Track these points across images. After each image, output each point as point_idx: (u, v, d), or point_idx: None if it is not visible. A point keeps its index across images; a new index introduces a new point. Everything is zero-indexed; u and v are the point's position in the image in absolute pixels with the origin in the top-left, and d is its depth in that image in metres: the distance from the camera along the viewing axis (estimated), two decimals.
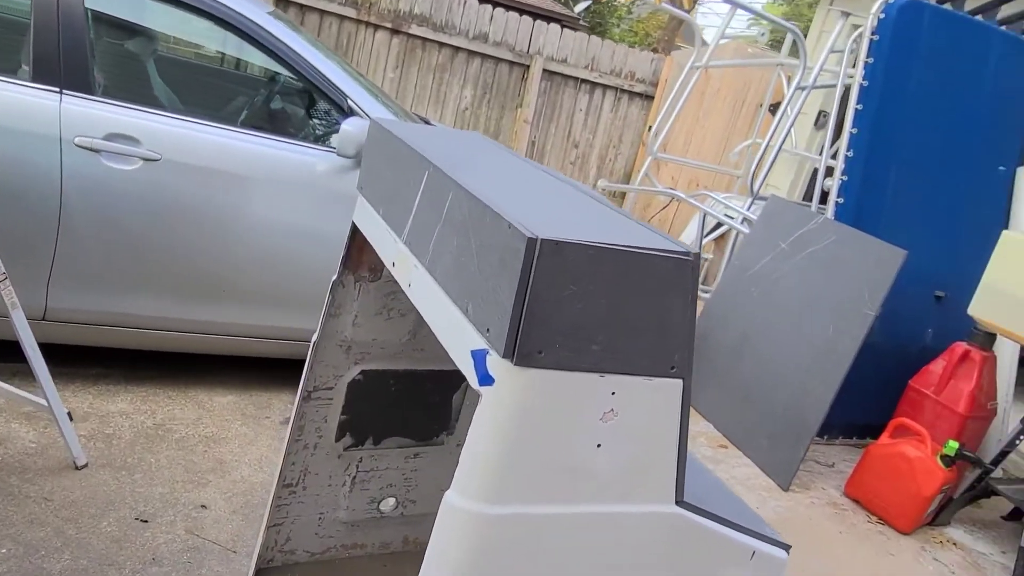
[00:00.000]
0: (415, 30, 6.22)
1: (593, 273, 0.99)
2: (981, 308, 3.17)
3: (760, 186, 4.64)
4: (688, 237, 5.62)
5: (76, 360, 2.90)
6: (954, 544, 3.29)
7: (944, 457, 3.16)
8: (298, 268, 2.75)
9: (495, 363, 1.01)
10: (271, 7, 3.02)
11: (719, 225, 5.43)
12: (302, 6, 5.80)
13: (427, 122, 3.59)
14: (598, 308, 1.01)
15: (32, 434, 2.41)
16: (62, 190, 2.37)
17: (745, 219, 4.62)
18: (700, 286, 5.28)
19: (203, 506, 2.30)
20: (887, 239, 3.37)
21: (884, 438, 3.37)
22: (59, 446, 2.33)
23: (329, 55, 2.93)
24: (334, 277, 1.79)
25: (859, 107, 3.79)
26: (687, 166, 6.59)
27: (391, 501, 2.18)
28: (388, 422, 2.06)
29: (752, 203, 4.67)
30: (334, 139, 2.80)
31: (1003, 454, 3.25)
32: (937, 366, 3.52)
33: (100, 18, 2.74)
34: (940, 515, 3.37)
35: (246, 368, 3.15)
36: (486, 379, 1.02)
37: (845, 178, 3.80)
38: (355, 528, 2.17)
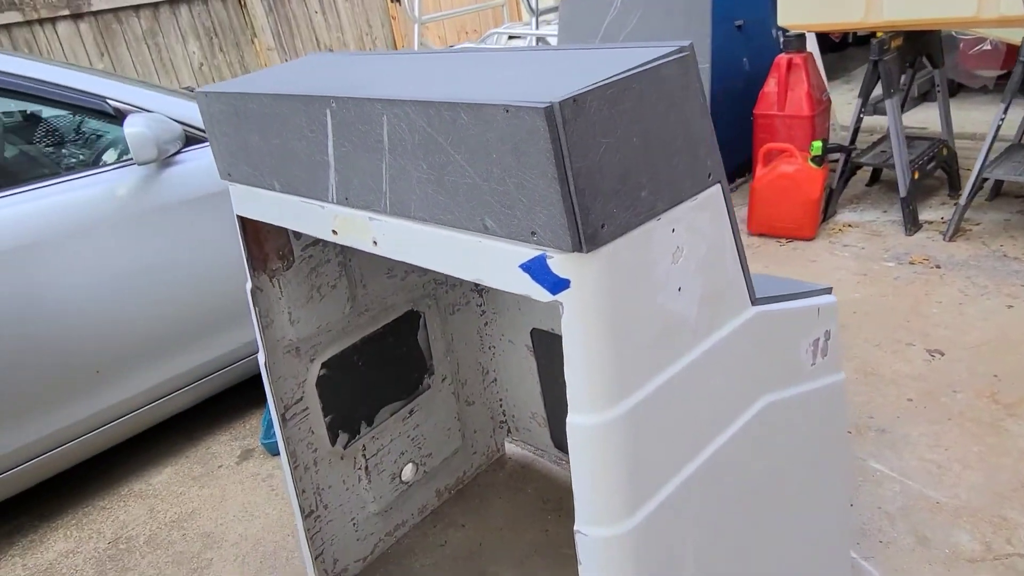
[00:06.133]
0: (98, 4, 5.31)
1: (618, 115, 0.84)
2: (787, 15, 3.31)
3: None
4: None
5: None
6: (849, 226, 3.61)
7: (815, 158, 3.39)
8: (166, 306, 2.36)
9: (562, 262, 0.87)
10: None
11: None
12: None
13: (192, 91, 3.11)
14: (634, 149, 0.87)
15: None
16: None
17: (540, 40, 4.51)
18: None
19: None
20: None
21: (759, 169, 3.56)
22: None
23: (59, 64, 2.39)
24: (248, 285, 1.52)
25: None
26: (452, 17, 6.29)
27: (409, 468, 2.03)
28: (371, 397, 1.88)
29: (537, 20, 4.55)
30: (110, 153, 2.35)
31: (855, 131, 3.54)
32: (770, 86, 3.70)
33: None
34: (827, 209, 3.67)
35: (164, 433, 2.78)
36: (559, 284, 0.88)
37: None
38: (389, 512, 2.03)
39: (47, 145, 2.43)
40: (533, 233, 0.87)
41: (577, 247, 0.84)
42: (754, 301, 1.12)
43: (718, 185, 1.01)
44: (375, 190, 1.05)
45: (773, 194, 3.50)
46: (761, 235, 3.64)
